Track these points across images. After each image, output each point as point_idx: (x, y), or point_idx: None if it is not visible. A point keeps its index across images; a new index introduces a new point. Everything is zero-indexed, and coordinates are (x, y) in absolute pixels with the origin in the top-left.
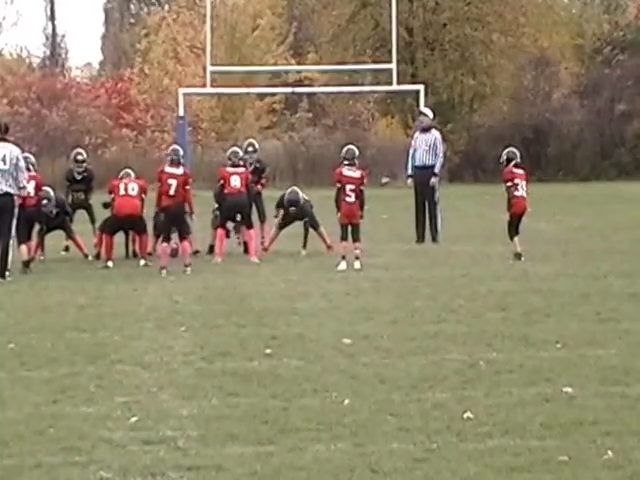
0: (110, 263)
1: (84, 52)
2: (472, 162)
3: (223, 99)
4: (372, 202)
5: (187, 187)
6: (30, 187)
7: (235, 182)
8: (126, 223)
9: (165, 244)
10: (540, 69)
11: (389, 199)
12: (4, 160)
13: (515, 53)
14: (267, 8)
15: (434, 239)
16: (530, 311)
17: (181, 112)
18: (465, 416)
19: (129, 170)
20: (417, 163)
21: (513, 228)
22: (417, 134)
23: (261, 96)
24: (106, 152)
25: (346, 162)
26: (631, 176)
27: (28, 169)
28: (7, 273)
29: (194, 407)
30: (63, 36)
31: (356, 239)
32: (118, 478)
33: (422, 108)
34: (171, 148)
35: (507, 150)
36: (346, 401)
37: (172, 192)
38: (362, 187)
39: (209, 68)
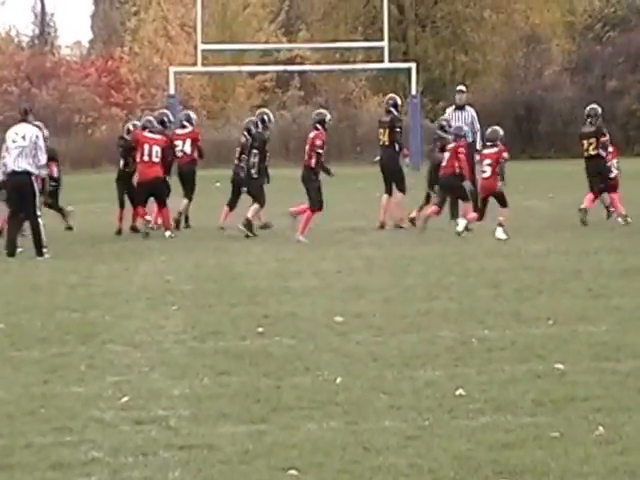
0: (168, 233)
1: (74, 31)
2: None
3: (214, 77)
4: (365, 180)
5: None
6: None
7: None
8: (150, 189)
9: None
10: (531, 46)
11: (382, 177)
12: (24, 137)
13: (507, 30)
14: None
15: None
16: (522, 288)
17: (172, 91)
18: (457, 393)
19: (151, 119)
20: None
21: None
22: (450, 112)
23: (252, 74)
24: (96, 131)
25: (489, 143)
26: (622, 152)
27: (183, 126)
28: (45, 250)
29: (185, 386)
30: (52, 14)
31: (502, 205)
32: (109, 458)
33: (460, 86)
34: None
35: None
36: (338, 379)
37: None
38: (500, 160)
39: (200, 46)
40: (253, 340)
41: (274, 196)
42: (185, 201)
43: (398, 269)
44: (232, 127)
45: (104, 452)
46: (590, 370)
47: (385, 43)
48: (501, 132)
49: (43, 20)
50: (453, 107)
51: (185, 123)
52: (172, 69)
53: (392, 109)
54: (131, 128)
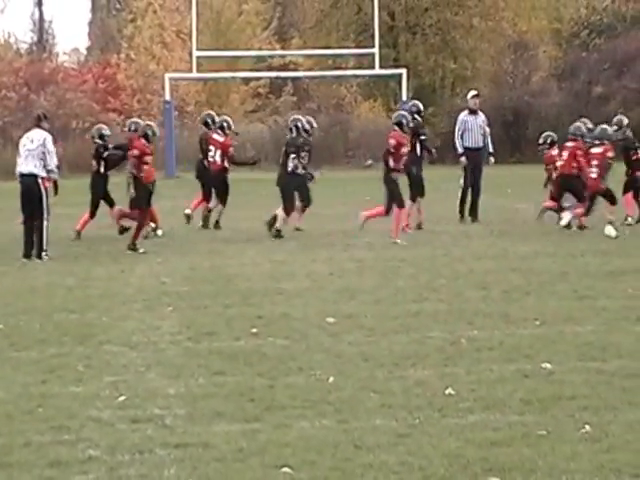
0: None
1: (71, 38)
2: (453, 144)
3: (209, 83)
4: (356, 184)
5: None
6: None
7: None
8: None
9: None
10: (519, 53)
11: (372, 180)
12: (32, 141)
13: (495, 37)
14: None
15: (476, 218)
16: (510, 289)
17: (167, 97)
18: (447, 392)
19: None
20: (471, 145)
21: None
22: (465, 116)
23: (246, 80)
24: None
25: (597, 142)
26: None
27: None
28: (44, 254)
29: (181, 386)
30: (50, 22)
31: (612, 203)
32: (106, 456)
33: (473, 91)
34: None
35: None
36: (330, 379)
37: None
38: (606, 159)
39: (195, 53)
40: (247, 340)
41: (269, 199)
42: (219, 206)
43: (388, 271)
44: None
45: (101, 450)
46: (577, 370)
47: (376, 50)
48: (609, 130)
49: (41, 27)
50: (467, 111)
51: (219, 131)
52: (168, 75)
53: (416, 116)
54: (105, 133)
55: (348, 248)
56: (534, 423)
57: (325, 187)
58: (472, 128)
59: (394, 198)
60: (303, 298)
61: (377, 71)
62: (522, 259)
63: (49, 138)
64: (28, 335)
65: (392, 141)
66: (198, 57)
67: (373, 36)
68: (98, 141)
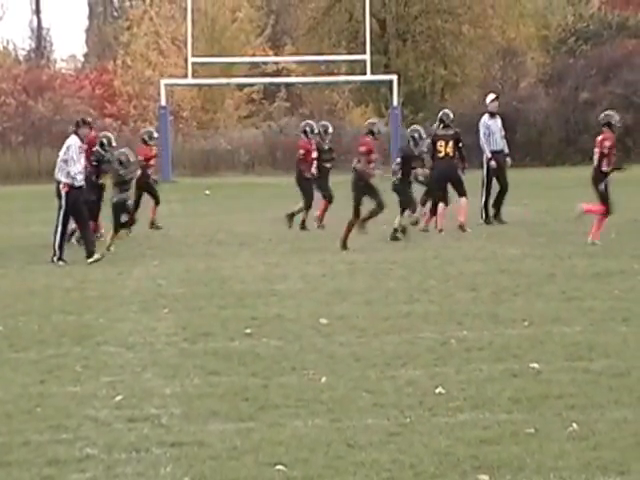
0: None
1: (69, 45)
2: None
3: (203, 89)
4: (346, 187)
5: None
6: None
7: None
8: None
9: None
10: (508, 59)
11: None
12: (62, 148)
13: (484, 44)
14: (246, 1)
15: (501, 220)
16: (499, 291)
17: (163, 102)
18: (437, 391)
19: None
20: (496, 148)
21: None
22: (487, 120)
23: (240, 86)
24: None
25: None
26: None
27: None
28: (54, 257)
29: (177, 386)
30: (48, 29)
31: None
32: (103, 454)
33: (491, 94)
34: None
35: None
36: (323, 379)
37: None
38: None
39: (190, 59)
40: (241, 341)
41: (263, 203)
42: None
43: (380, 273)
44: (220, 137)
45: (98, 449)
46: (564, 369)
47: (367, 56)
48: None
49: (39, 35)
50: (488, 115)
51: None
52: (163, 81)
53: (451, 124)
54: (107, 142)
55: (340, 250)
56: (522, 421)
57: (317, 191)
58: (495, 131)
59: (603, 200)
60: (296, 299)
61: (368, 77)
62: (510, 261)
63: (71, 144)
64: (27, 336)
65: (608, 142)
66: (193, 63)
67: (364, 43)
68: (98, 149)
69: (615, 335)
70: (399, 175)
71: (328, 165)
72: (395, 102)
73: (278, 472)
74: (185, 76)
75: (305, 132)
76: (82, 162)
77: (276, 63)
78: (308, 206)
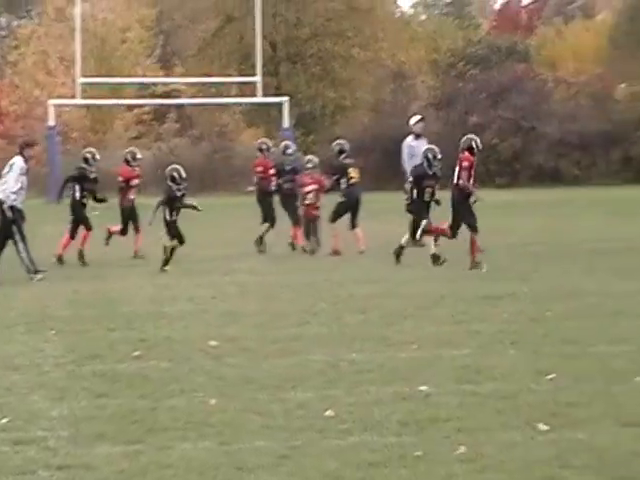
0: None
1: None
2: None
3: (92, 110)
4: (240, 209)
5: None
6: None
7: None
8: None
9: None
10: (398, 82)
11: (256, 206)
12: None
13: (374, 67)
14: (136, 22)
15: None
16: (388, 314)
17: (51, 122)
18: (327, 414)
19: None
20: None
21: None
22: (411, 141)
23: (130, 107)
24: None
25: None
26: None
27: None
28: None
29: (64, 408)
30: None
31: None
32: None
33: (417, 115)
34: None
35: None
36: (212, 401)
37: None
38: None
39: (79, 80)
40: (130, 363)
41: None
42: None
43: (271, 295)
44: (109, 159)
45: None
46: (452, 392)
47: (258, 78)
48: None
49: None
50: (413, 136)
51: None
52: (51, 102)
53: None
54: (91, 157)
55: (231, 272)
56: (411, 444)
57: (208, 213)
58: (418, 153)
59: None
60: (186, 321)
61: (259, 99)
62: (400, 284)
63: (13, 162)
64: None
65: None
66: (82, 83)
67: (255, 65)
68: (84, 165)
69: (503, 358)
70: (414, 195)
71: (288, 186)
72: (286, 124)
73: None
74: (73, 96)
75: (261, 150)
76: (20, 184)
77: (166, 84)
78: (272, 223)
